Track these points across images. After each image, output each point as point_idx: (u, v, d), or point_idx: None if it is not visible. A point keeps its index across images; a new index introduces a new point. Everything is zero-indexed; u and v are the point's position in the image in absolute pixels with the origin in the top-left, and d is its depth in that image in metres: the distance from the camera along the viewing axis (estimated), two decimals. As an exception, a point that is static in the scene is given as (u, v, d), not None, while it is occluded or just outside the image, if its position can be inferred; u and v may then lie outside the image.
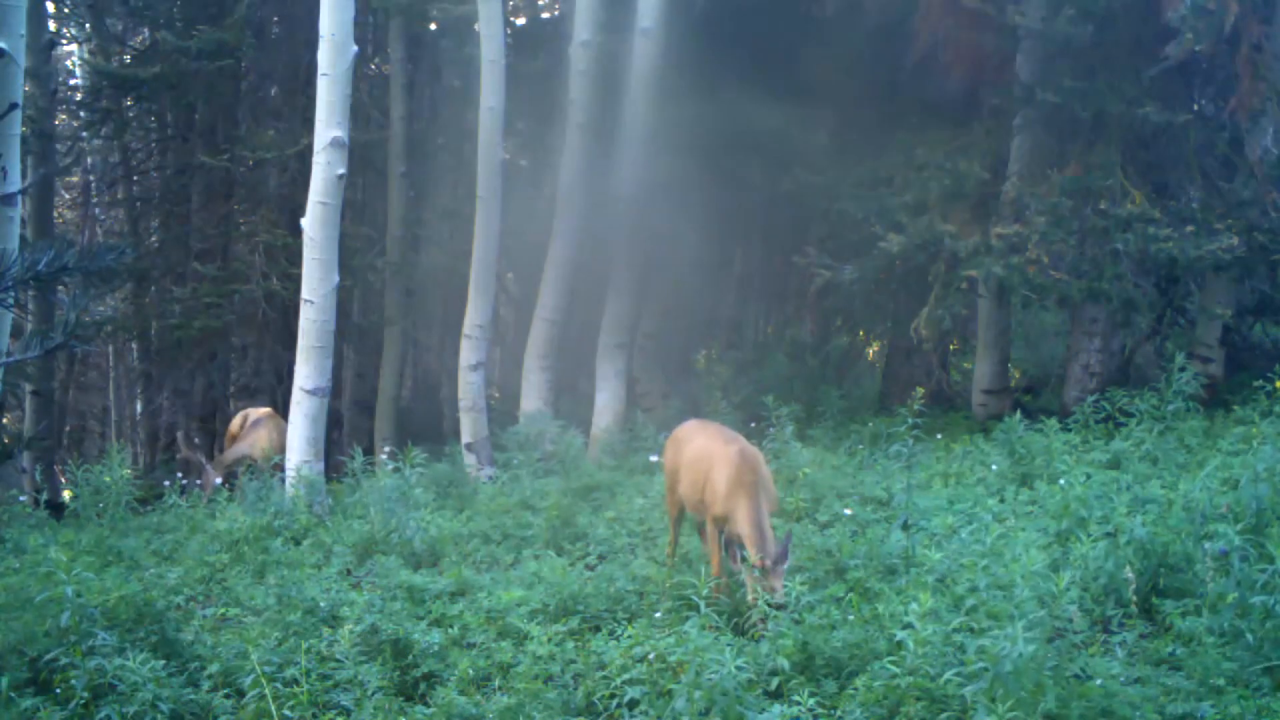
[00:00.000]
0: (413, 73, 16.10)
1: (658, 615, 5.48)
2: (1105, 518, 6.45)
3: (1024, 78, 11.13)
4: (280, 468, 9.79)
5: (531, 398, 12.70)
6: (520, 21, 17.49)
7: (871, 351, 18.66)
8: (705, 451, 6.13)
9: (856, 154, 12.79)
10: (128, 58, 16.44)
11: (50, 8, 15.24)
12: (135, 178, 17.44)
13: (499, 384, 20.34)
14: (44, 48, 14.12)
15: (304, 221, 9.53)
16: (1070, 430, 9.41)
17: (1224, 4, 9.21)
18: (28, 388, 14.23)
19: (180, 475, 11.27)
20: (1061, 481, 7.15)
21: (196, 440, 13.06)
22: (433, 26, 16.43)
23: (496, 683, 5.00)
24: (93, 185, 19.29)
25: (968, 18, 10.81)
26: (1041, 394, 13.33)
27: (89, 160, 18.98)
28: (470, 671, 4.99)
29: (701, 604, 4.73)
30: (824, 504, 8.08)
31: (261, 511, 8.43)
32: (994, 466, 8.69)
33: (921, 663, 4.27)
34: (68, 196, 20.07)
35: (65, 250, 3.68)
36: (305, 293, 9.54)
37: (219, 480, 11.56)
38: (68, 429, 19.41)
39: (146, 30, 16.46)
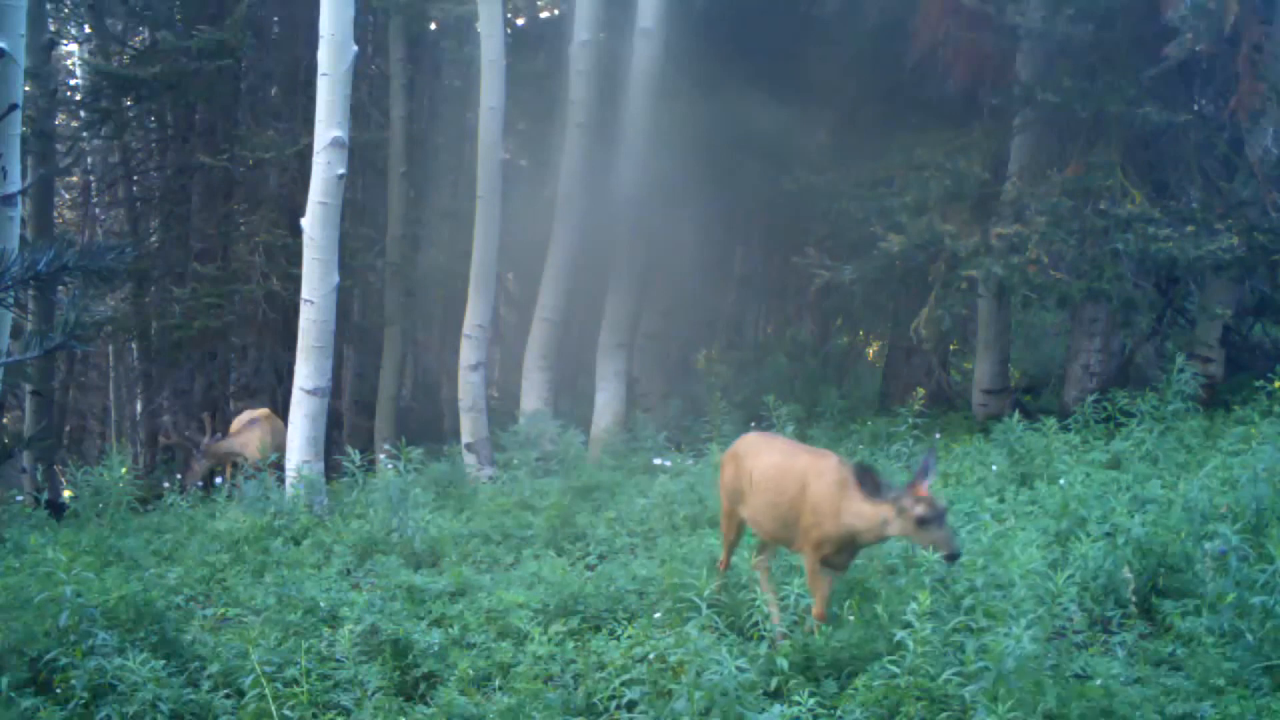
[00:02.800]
0: (413, 73, 16.11)
1: (657, 615, 5.48)
2: (1105, 517, 6.45)
3: (1024, 78, 11.13)
4: (276, 466, 9.79)
5: (531, 398, 12.70)
6: (520, 21, 17.50)
7: (871, 351, 18.70)
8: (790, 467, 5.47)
9: (856, 154, 12.80)
10: (128, 58, 16.43)
11: (50, 8, 15.23)
12: (135, 178, 17.45)
13: (499, 384, 20.35)
14: (44, 48, 14.12)
15: (304, 221, 9.53)
16: (1070, 430, 9.41)
17: (1224, 4, 9.20)
18: (28, 388, 14.22)
19: (176, 474, 11.29)
20: (1061, 481, 7.15)
21: (188, 431, 13.05)
22: (433, 26, 16.44)
23: (496, 683, 5.00)
24: (93, 185, 19.28)
25: (968, 18, 10.80)
26: (1041, 394, 13.33)
27: (89, 160, 18.98)
28: (470, 671, 4.98)
29: (702, 604, 4.73)
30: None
31: (261, 511, 8.43)
32: (994, 466, 8.69)
33: (921, 663, 4.27)
34: (68, 196, 20.06)
35: (65, 250, 3.67)
36: (305, 293, 9.54)
37: (209, 468, 11.60)
38: (68, 429, 19.39)
39: (146, 30, 16.45)
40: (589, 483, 9.39)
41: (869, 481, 4.88)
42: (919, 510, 4.71)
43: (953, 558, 4.72)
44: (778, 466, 5.46)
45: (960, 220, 10.83)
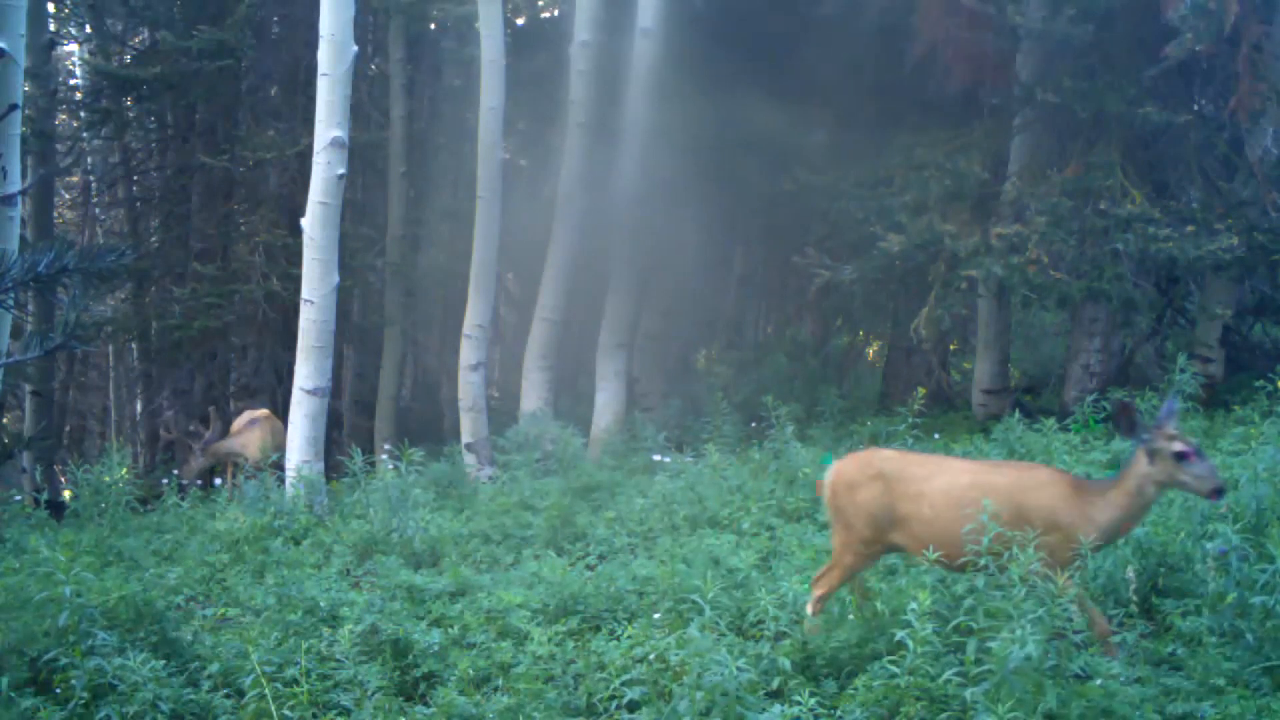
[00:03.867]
0: (413, 73, 16.11)
1: (657, 616, 5.48)
2: (1105, 517, 6.44)
3: (1024, 78, 11.13)
4: (276, 466, 9.79)
5: (531, 398, 12.71)
6: (520, 21, 17.50)
7: (871, 351, 18.69)
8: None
9: (856, 154, 12.79)
10: (128, 58, 16.43)
11: (50, 8, 15.23)
12: (135, 178, 17.42)
13: (499, 384, 20.37)
14: (44, 48, 14.11)
15: (304, 221, 9.53)
16: (1070, 430, 9.41)
17: (1224, 4, 9.20)
18: (28, 388, 14.23)
19: (174, 471, 11.27)
20: (1061, 481, 7.11)
21: (191, 428, 13.03)
22: (433, 26, 16.45)
23: (496, 683, 4.99)
24: (93, 185, 19.27)
25: (968, 18, 10.80)
26: (1041, 394, 13.34)
27: (89, 160, 18.97)
28: (470, 671, 4.98)
29: (704, 605, 4.73)
30: (824, 504, 8.06)
31: (261, 511, 8.43)
32: (994, 466, 8.68)
33: (921, 663, 4.27)
34: (68, 196, 20.05)
35: (65, 251, 3.66)
36: (305, 293, 9.54)
37: (207, 466, 11.61)
38: (68, 429, 19.39)
39: (146, 30, 16.45)
40: (589, 483, 9.39)
41: (1127, 419, 4.46)
42: (1176, 446, 4.39)
43: (1218, 493, 4.47)
44: (972, 486, 4.84)
45: (960, 220, 10.84)
